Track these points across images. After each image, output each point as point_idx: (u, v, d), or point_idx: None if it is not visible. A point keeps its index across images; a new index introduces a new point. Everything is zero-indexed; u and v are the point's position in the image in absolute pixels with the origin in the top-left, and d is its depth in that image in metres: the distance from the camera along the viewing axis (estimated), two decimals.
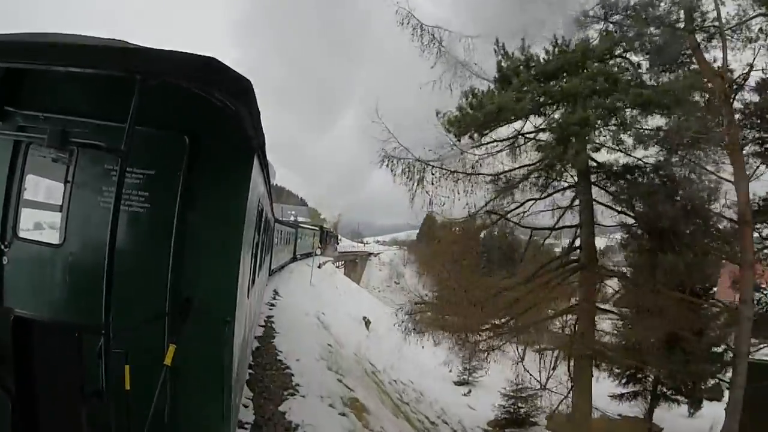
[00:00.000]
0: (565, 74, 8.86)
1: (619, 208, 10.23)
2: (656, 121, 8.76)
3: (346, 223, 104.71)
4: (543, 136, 10.38)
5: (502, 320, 10.37)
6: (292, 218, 47.29)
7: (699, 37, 9.52)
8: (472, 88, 9.37)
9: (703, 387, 15.57)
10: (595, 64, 8.65)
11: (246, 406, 5.40)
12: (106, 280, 2.09)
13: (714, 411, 15.88)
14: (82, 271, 2.90)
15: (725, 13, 9.36)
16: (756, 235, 9.59)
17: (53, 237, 3.03)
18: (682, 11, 9.36)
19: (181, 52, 2.18)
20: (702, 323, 11.26)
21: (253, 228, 3.99)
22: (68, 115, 2.81)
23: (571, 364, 12.13)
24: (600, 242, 12.79)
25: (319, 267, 26.93)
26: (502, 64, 9.43)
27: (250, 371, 6.75)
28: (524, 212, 11.85)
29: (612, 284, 12.65)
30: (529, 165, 10.25)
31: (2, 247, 2.98)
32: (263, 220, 5.85)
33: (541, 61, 9.16)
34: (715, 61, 9.18)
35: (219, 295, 3.00)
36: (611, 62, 9.10)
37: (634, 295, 11.07)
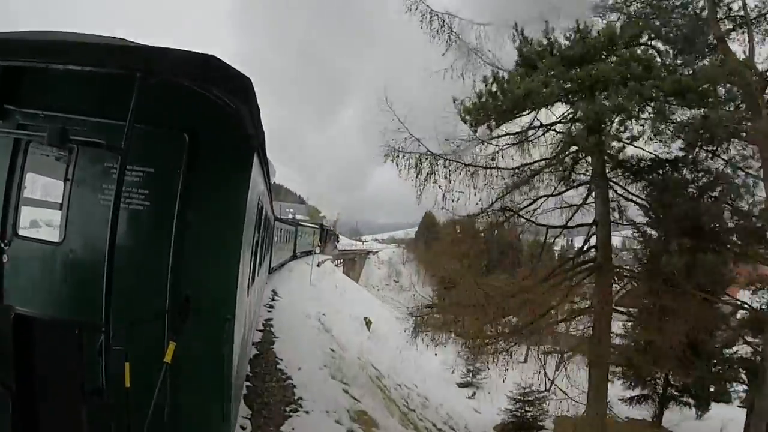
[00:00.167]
0: (591, 60, 8.25)
1: (645, 205, 9.61)
2: (684, 112, 8.18)
3: (344, 221, 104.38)
4: (560, 127, 9.80)
5: (521, 323, 9.78)
6: (290, 216, 46.76)
7: (724, 27, 8.97)
8: (494, 72, 8.75)
9: (711, 389, 15.24)
10: (624, 50, 8.05)
11: (244, 428, 4.82)
12: (106, 278, 2.09)
13: (721, 412, 15.55)
14: (82, 269, 2.89)
15: (751, 2, 8.82)
16: None
17: (53, 235, 3.01)
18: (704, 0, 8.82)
19: (181, 50, 2.15)
20: (716, 323, 10.88)
21: (253, 226, 3.92)
22: (68, 113, 2.80)
23: (578, 366, 11.68)
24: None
25: (318, 265, 26.58)
26: (523, 49, 8.81)
27: (248, 384, 6.17)
28: (535, 210, 11.30)
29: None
30: (551, 158, 9.62)
31: (2, 245, 2.96)
32: (263, 217, 5.73)
33: (562, 46, 8.56)
34: (744, 53, 8.64)
35: (219, 292, 2.97)
36: (638, 50, 8.50)
37: (650, 296, 10.58)
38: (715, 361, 12.73)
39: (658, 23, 8.18)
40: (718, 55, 8.80)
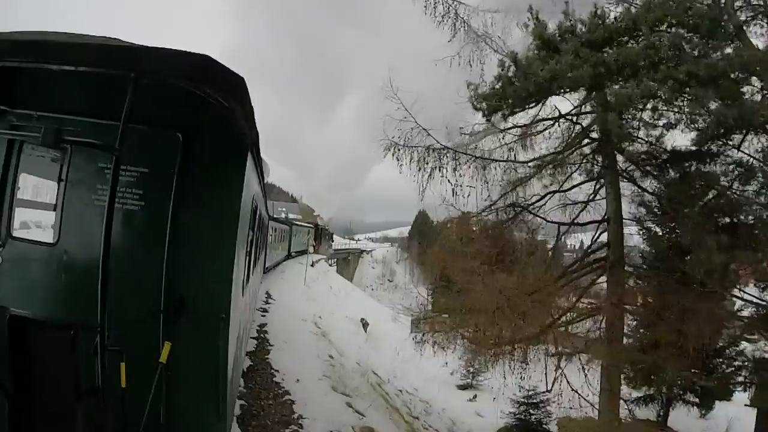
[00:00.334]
0: (614, 45, 7.68)
1: (662, 200, 9.09)
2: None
3: (337, 220, 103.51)
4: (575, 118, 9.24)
5: (540, 326, 9.21)
6: (282, 215, 46.07)
7: (742, 16, 8.50)
8: (513, 56, 8.10)
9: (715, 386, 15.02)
10: (650, 34, 7.48)
11: None
12: (101, 278, 2.10)
13: (724, 411, 15.27)
14: (76, 270, 2.87)
15: None
16: None
17: (47, 236, 2.99)
18: None
19: (174, 49, 2.13)
20: (726, 321, 10.55)
21: (247, 225, 3.87)
22: (62, 113, 2.79)
23: (584, 367, 11.24)
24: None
25: (312, 265, 26.03)
26: (542, 32, 8.16)
27: (242, 402, 5.49)
28: (541, 206, 10.78)
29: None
30: (564, 150, 9.05)
31: None
32: (257, 217, 5.65)
33: (583, 30, 7.99)
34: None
35: (214, 292, 2.95)
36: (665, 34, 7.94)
37: (666, 295, 10.16)
38: (720, 359, 12.38)
39: (678, 9, 7.65)
40: (736, 43, 8.34)
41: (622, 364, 9.84)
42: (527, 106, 8.44)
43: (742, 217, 7.84)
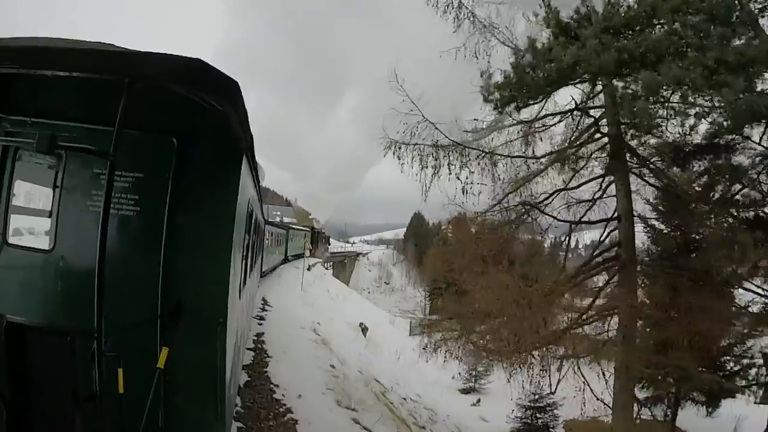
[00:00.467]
0: (632, 32, 7.27)
1: (678, 197, 8.72)
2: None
3: (332, 223, 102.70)
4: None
5: (559, 329, 8.77)
6: (277, 219, 45.50)
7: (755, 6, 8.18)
8: (531, 40, 7.64)
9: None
10: (672, 20, 7.08)
11: None
12: (98, 284, 2.14)
13: (732, 410, 15.03)
14: (73, 276, 2.85)
15: None
16: None
17: (42, 242, 2.97)
18: None
19: (168, 54, 2.15)
20: (734, 317, 10.32)
21: (243, 229, 3.85)
22: (56, 119, 2.79)
23: (590, 369, 10.87)
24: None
25: (308, 269, 25.59)
26: (557, 18, 7.70)
27: (240, 425, 4.98)
28: (547, 204, 10.37)
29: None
30: (573, 145, 8.64)
31: None
32: (253, 221, 5.59)
33: (599, 15, 7.57)
34: None
35: (210, 297, 2.94)
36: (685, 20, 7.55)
37: (673, 293, 9.85)
38: (728, 357, 12.18)
39: None
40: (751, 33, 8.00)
41: (637, 365, 9.44)
42: (546, 95, 7.98)
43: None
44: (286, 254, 26.37)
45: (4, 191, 2.94)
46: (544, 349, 8.83)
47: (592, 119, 8.95)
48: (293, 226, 33.31)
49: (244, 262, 4.47)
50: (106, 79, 2.14)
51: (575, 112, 9.10)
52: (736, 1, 7.75)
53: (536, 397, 14.97)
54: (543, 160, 8.95)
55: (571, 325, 8.63)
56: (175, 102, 2.49)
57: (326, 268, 42.54)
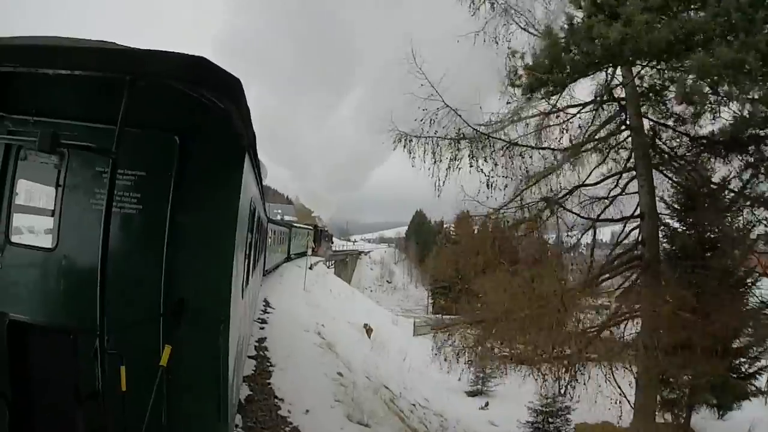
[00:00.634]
0: (671, 11, 6.66)
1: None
2: None
3: (334, 221, 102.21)
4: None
5: (591, 331, 8.23)
6: (278, 217, 45.11)
7: None
8: (570, 16, 7.01)
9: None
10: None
11: None
12: (100, 282, 2.16)
13: (745, 412, 14.58)
14: (75, 274, 2.85)
15: None
16: None
17: (45, 241, 2.97)
18: None
19: (170, 51, 2.15)
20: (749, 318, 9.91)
21: (245, 227, 3.86)
22: (58, 117, 2.80)
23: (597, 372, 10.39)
24: None
25: (310, 268, 25.15)
26: None
27: None
28: (564, 201, 9.81)
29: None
30: (600, 137, 8.05)
31: None
32: (256, 219, 5.52)
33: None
34: None
35: (213, 295, 2.94)
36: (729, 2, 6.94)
37: (695, 294, 9.37)
38: (744, 359, 11.72)
39: None
40: None
41: (659, 369, 8.95)
42: (583, 77, 7.37)
43: None
44: (288, 253, 26.14)
45: (6, 190, 2.95)
46: (581, 354, 8.25)
47: (617, 109, 8.33)
48: (296, 225, 33.07)
49: (246, 260, 4.44)
50: (108, 77, 2.13)
51: (599, 103, 8.49)
52: None
53: (549, 400, 14.48)
54: (568, 152, 8.35)
55: (602, 328, 8.06)
56: (177, 99, 2.49)
57: (328, 267, 42.13)
